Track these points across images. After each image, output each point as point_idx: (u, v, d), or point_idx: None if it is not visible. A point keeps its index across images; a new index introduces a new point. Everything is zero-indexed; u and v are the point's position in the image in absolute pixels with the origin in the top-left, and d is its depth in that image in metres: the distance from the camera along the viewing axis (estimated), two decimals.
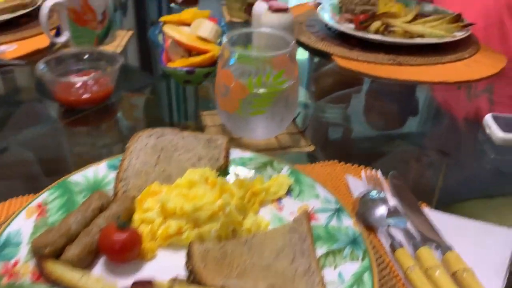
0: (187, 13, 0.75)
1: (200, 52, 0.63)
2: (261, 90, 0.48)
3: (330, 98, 0.75)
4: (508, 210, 0.54)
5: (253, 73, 0.49)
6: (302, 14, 0.94)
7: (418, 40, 0.75)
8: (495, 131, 0.53)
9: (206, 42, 0.66)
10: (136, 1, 1.21)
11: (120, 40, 0.80)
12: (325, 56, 0.77)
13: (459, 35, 0.76)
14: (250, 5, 0.87)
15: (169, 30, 0.65)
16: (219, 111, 0.52)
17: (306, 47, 0.80)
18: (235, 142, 0.52)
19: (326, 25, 0.84)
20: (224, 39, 0.49)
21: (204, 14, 0.76)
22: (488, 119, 0.56)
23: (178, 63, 0.62)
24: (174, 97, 0.68)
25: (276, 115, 0.50)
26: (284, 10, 0.61)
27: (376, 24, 0.79)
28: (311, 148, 0.52)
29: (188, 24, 0.71)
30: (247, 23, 0.90)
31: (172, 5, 1.00)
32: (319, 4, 0.98)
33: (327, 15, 0.85)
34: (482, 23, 0.87)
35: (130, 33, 0.84)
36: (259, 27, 0.64)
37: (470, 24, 0.79)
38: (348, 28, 0.81)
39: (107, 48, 0.76)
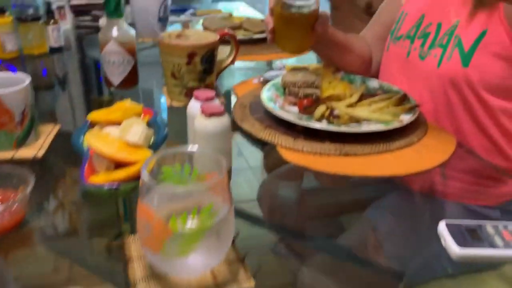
0: (116, 110, 0.69)
1: (127, 164, 0.57)
2: (188, 229, 0.41)
3: (281, 171, 0.70)
4: None
5: (178, 206, 0.43)
6: (246, 94, 0.90)
7: (364, 128, 0.72)
8: (451, 246, 0.49)
9: (135, 149, 0.60)
10: (81, 77, 1.15)
11: (45, 138, 0.73)
12: (270, 145, 0.73)
13: (407, 119, 0.74)
14: (191, 89, 0.83)
15: (93, 139, 0.58)
16: (142, 246, 0.45)
17: (249, 135, 0.76)
18: (161, 282, 0.45)
19: None
20: (144, 169, 0.43)
21: (136, 110, 0.70)
22: (442, 229, 0.52)
23: (101, 178, 0.56)
24: (99, 214, 0.61)
25: (208, 251, 0.43)
26: (220, 113, 0.56)
27: (320, 109, 0.76)
28: (251, 283, 0.45)
29: (119, 123, 0.65)
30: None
31: (112, 89, 0.94)
32: (266, 81, 0.95)
33: (270, 101, 0.81)
34: (429, 98, 0.86)
35: (57, 128, 0.76)
36: (193, 131, 0.58)
37: (417, 106, 0.77)
38: (293, 114, 0.77)
39: (28, 150, 0.69)
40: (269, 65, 1.18)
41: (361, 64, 1.04)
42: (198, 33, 0.90)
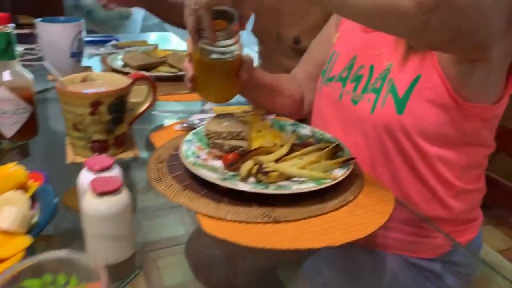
0: None
1: None
2: None
3: None
4: None
5: None
6: (166, 145, 0.79)
7: (295, 188, 0.63)
8: None
9: (8, 237, 0.47)
10: None
11: None
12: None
13: (340, 174, 0.67)
14: (98, 143, 0.71)
15: None
16: None
17: (166, 200, 0.65)
18: None
19: None
20: None
21: (19, 177, 0.57)
22: None
23: None
24: None
25: None
26: (115, 191, 0.45)
27: (247, 166, 0.67)
28: None
29: None
30: None
31: (3, 142, 0.79)
32: (191, 128, 0.85)
33: (192, 155, 0.71)
34: (364, 145, 0.81)
35: None
36: (83, 210, 0.47)
37: (352, 159, 0.70)
38: (217, 171, 0.68)
39: None
40: (198, 106, 1.08)
41: (292, 105, 0.97)
42: (107, 76, 0.79)
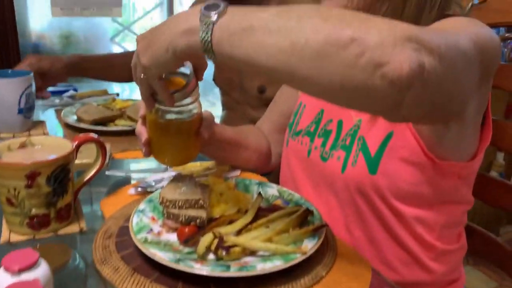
0: None
1: None
2: None
3: None
4: None
5: None
6: (116, 215, 0.71)
7: (260, 268, 0.56)
8: None
9: None
10: None
11: None
12: None
13: (311, 245, 0.60)
14: (37, 218, 0.62)
15: None
16: None
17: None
18: None
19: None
20: None
21: None
22: None
23: None
24: None
25: None
26: None
27: (205, 241, 0.59)
28: None
29: None
30: (35, 241, 0.64)
31: None
32: (147, 192, 0.77)
33: (142, 229, 0.63)
34: (336, 204, 0.75)
35: None
36: None
37: (322, 226, 0.63)
38: (171, 248, 0.60)
39: None
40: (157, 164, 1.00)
41: (258, 158, 0.91)
42: (48, 141, 0.71)
